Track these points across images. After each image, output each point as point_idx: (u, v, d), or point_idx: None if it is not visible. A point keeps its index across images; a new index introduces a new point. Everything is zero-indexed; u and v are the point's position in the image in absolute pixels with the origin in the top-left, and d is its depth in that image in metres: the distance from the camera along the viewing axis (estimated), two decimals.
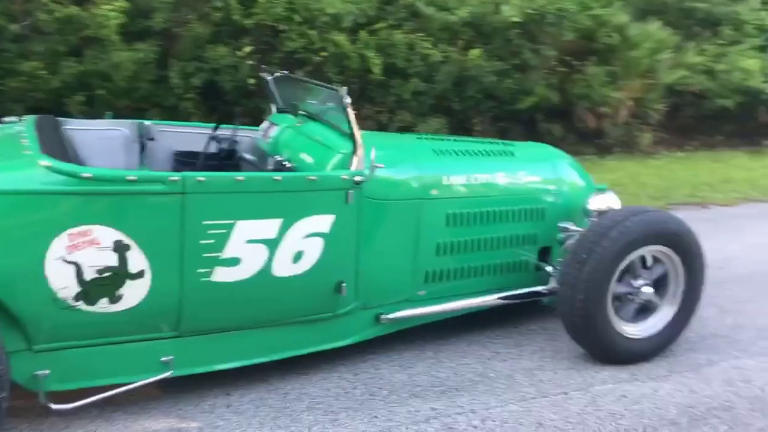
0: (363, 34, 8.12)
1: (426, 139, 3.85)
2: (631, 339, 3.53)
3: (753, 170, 8.84)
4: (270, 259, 2.93)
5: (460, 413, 3.08)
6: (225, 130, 3.93)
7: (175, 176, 2.67)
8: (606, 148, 9.68)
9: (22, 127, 3.05)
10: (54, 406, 2.68)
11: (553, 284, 3.81)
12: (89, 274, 2.63)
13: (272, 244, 2.91)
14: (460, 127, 8.76)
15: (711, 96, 10.20)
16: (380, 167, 3.04)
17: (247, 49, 7.51)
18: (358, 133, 3.06)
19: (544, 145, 4.41)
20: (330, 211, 3.01)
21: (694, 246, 3.54)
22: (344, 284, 3.15)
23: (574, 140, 9.41)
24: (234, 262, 2.85)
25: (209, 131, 3.96)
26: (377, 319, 3.42)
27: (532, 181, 3.79)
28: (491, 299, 3.71)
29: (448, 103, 8.65)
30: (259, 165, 3.89)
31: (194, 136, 3.96)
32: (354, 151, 3.07)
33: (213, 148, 3.84)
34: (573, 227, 3.83)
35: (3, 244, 2.50)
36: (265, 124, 3.93)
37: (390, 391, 3.25)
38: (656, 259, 3.58)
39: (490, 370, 3.48)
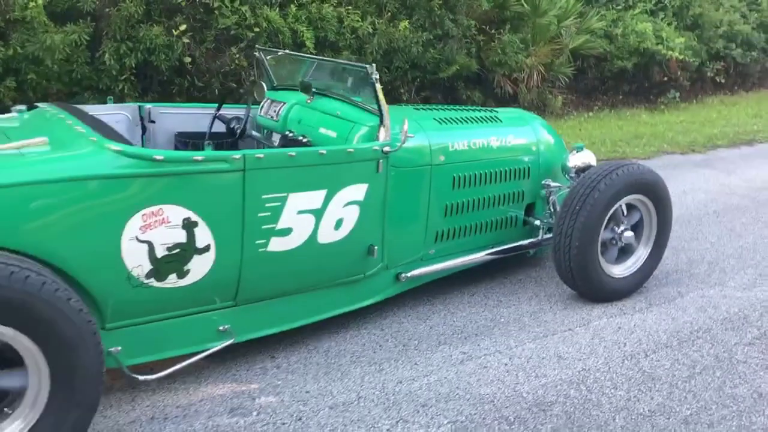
0: (292, 9, 8.24)
1: (423, 109, 4.12)
2: (616, 279, 3.99)
3: (655, 125, 9.66)
4: (316, 228, 3.14)
5: (488, 354, 3.43)
6: (227, 110, 4.05)
7: (237, 154, 2.83)
8: None
9: (60, 114, 3.09)
10: (141, 377, 2.82)
11: (540, 236, 4.21)
12: (160, 252, 2.76)
13: (318, 214, 3.13)
14: (389, 96, 8.98)
15: (611, 58, 10.97)
16: (411, 137, 3.30)
17: (183, 27, 7.46)
18: (385, 107, 3.30)
19: (519, 109, 4.79)
20: (364, 180, 3.25)
21: (664, 193, 4.03)
22: (376, 247, 3.41)
23: (493, 106, 9.90)
24: (286, 232, 3.05)
25: (207, 111, 4.07)
26: (397, 277, 3.70)
27: (518, 143, 4.15)
28: (489, 253, 4.06)
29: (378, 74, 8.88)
30: (264, 141, 4.05)
31: (193, 116, 4.05)
32: (382, 124, 3.32)
33: (222, 127, 3.95)
34: (553, 183, 4.24)
35: (82, 228, 2.59)
36: (265, 102, 4.08)
37: (419, 341, 3.55)
38: (631, 207, 4.04)
39: (499, 316, 3.85)
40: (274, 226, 3.01)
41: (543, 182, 4.24)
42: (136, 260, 2.72)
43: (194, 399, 3.02)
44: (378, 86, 3.25)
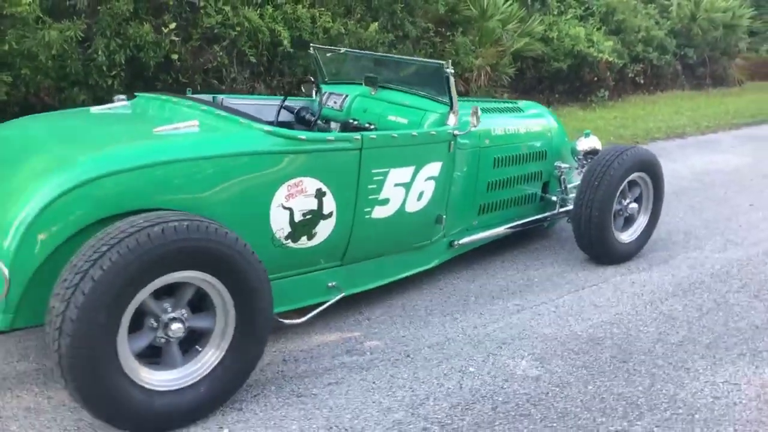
0: (269, 9, 8.70)
1: (464, 100, 4.74)
2: (623, 244, 4.74)
3: (594, 121, 10.64)
4: (405, 199, 3.71)
5: (536, 305, 4.10)
6: (292, 102, 4.54)
7: (357, 135, 3.37)
8: None
9: (186, 102, 3.52)
10: (287, 321, 3.32)
11: (556, 210, 4.92)
12: (298, 217, 3.26)
13: (407, 187, 3.69)
14: None
15: (548, 60, 11.93)
16: (479, 123, 3.93)
17: (172, 25, 7.78)
18: (455, 97, 3.91)
19: (532, 101, 5.49)
20: (440, 159, 3.85)
21: (660, 171, 4.81)
22: (444, 216, 4.01)
23: None
24: (386, 201, 3.60)
25: (272, 103, 4.54)
26: (451, 245, 4.31)
27: (537, 130, 4.84)
28: (517, 225, 4.73)
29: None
30: (325, 128, 4.56)
31: (260, 107, 4.50)
32: (452, 110, 3.92)
33: (293, 117, 4.44)
34: (563, 165, 4.95)
35: (243, 194, 3.06)
36: (324, 94, 4.59)
37: (476, 297, 4.18)
38: (632, 183, 4.79)
39: (532, 277, 4.53)
40: (377, 196, 3.56)
41: (555, 164, 4.94)
42: (279, 224, 3.21)
43: (311, 345, 3.54)
44: (452, 79, 3.85)
